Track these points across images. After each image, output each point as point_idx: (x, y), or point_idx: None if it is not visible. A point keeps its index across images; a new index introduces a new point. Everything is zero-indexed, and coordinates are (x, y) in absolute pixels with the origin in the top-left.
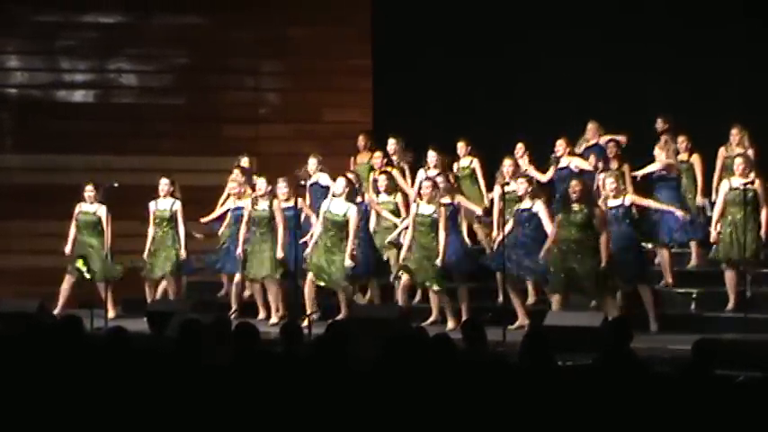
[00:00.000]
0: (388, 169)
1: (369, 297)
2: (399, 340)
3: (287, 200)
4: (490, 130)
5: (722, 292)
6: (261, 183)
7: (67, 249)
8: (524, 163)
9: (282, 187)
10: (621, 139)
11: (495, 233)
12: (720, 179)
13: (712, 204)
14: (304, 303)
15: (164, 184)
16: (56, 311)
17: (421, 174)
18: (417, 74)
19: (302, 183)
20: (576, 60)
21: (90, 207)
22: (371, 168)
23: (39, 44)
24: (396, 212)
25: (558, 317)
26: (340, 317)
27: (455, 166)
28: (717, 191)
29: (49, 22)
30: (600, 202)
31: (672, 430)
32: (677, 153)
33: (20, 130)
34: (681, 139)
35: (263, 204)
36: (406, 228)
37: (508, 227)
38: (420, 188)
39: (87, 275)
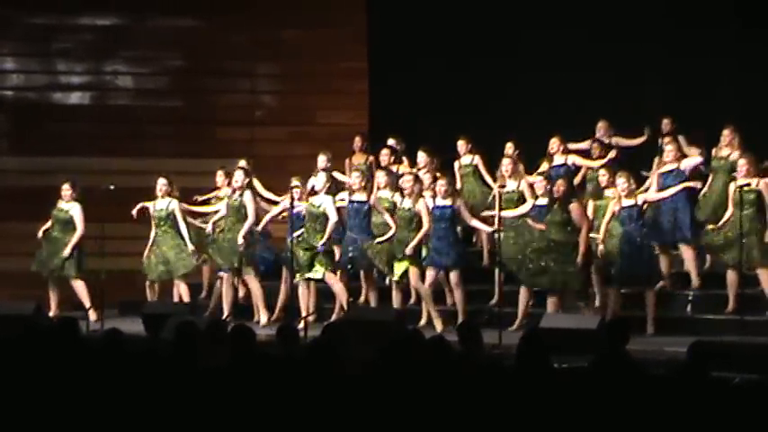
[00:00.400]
0: (392, 168)
1: (363, 299)
2: (395, 342)
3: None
4: (486, 132)
5: (718, 294)
6: (238, 175)
7: (39, 235)
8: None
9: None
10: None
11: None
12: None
13: None
14: (299, 306)
15: (161, 184)
16: (51, 314)
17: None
18: (413, 76)
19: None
20: (575, 60)
21: (65, 205)
22: (369, 169)
23: (34, 46)
24: (393, 210)
25: (554, 319)
26: (335, 318)
27: (456, 165)
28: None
29: (44, 25)
30: (615, 202)
31: None
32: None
33: (16, 132)
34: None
35: (237, 196)
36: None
37: (512, 213)
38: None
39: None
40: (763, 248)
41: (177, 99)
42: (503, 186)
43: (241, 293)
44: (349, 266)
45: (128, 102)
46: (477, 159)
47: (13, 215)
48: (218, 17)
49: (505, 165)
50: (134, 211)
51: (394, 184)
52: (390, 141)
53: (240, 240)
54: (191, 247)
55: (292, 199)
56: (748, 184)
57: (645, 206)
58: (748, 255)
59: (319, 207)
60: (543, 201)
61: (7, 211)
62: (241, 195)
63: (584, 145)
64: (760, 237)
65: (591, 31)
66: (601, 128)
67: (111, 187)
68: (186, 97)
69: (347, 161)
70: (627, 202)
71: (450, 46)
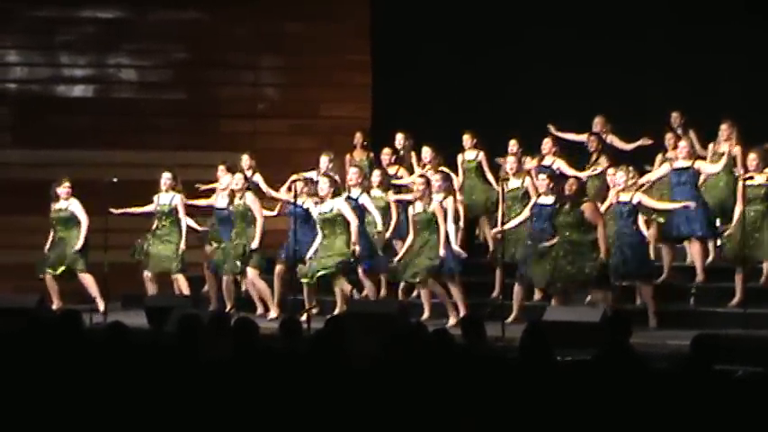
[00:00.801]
0: (391, 170)
1: (364, 293)
2: (398, 335)
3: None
4: (489, 126)
5: (721, 288)
6: (238, 178)
7: (46, 249)
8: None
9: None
10: (627, 146)
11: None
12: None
13: None
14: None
15: (165, 178)
16: (54, 307)
17: (417, 171)
18: (416, 69)
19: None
20: (577, 58)
21: (62, 204)
22: (371, 165)
23: (38, 39)
24: (386, 210)
25: (557, 312)
26: (337, 311)
27: (459, 158)
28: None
29: (47, 18)
30: (612, 195)
31: (671, 426)
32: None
33: (19, 125)
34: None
35: (237, 200)
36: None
37: (514, 222)
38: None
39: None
40: None
41: (180, 92)
42: (506, 180)
43: (243, 287)
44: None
45: (131, 94)
46: (482, 156)
47: (16, 208)
48: (221, 10)
49: (510, 162)
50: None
51: (387, 184)
52: (398, 136)
53: (255, 245)
54: (182, 247)
55: (295, 196)
56: (751, 177)
57: (638, 205)
58: (760, 249)
59: (332, 211)
60: (546, 199)
61: (10, 204)
62: (242, 198)
63: (581, 137)
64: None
65: (596, 28)
66: (597, 123)
67: (115, 180)
68: (189, 90)
69: (347, 157)
70: (623, 197)
71: (453, 39)
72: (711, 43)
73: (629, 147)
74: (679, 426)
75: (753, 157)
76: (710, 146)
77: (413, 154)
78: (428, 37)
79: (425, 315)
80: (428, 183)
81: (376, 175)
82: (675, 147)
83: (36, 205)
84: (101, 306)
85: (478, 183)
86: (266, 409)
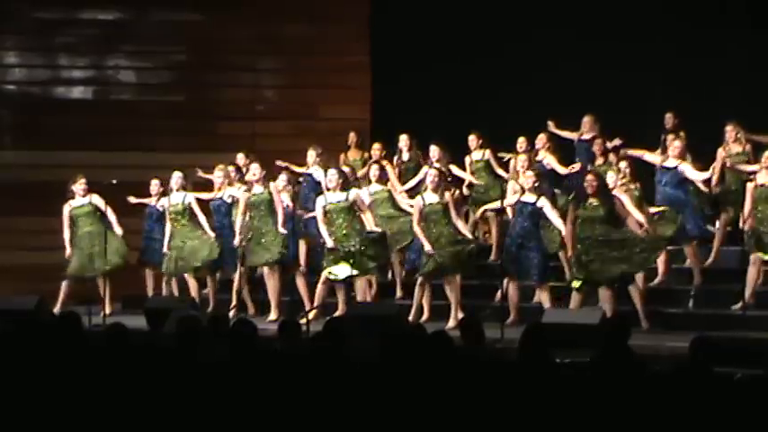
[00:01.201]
0: (383, 162)
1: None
2: (397, 337)
3: (283, 190)
4: (489, 127)
5: (720, 290)
6: (255, 168)
7: (68, 252)
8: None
9: (282, 180)
10: (615, 142)
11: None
12: (720, 181)
13: None
14: (301, 299)
15: (176, 177)
16: (55, 310)
17: (424, 170)
18: (415, 71)
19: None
20: (577, 59)
21: (83, 200)
22: (364, 165)
23: (37, 41)
24: (388, 202)
25: (555, 314)
26: (338, 313)
27: (467, 160)
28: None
29: (47, 19)
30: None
31: (670, 428)
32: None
33: (18, 126)
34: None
35: (258, 188)
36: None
37: (494, 205)
38: (425, 179)
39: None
40: None
41: (179, 94)
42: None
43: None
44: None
45: (130, 96)
46: (489, 154)
47: (15, 210)
48: (220, 11)
49: (521, 161)
50: (132, 200)
51: (385, 180)
52: (403, 136)
53: (282, 231)
54: (212, 234)
55: (296, 194)
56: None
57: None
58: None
59: (346, 199)
60: (530, 197)
61: (9, 206)
62: (266, 187)
63: (572, 135)
64: None
65: (595, 29)
66: (586, 122)
67: (114, 182)
68: (188, 92)
69: (341, 157)
70: None
71: (453, 41)
72: (712, 45)
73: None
74: (678, 429)
75: (729, 129)
76: (720, 150)
77: (419, 153)
78: (428, 38)
79: (425, 317)
80: (441, 174)
81: (374, 170)
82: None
83: (35, 207)
84: (108, 308)
85: (490, 181)
86: (265, 411)
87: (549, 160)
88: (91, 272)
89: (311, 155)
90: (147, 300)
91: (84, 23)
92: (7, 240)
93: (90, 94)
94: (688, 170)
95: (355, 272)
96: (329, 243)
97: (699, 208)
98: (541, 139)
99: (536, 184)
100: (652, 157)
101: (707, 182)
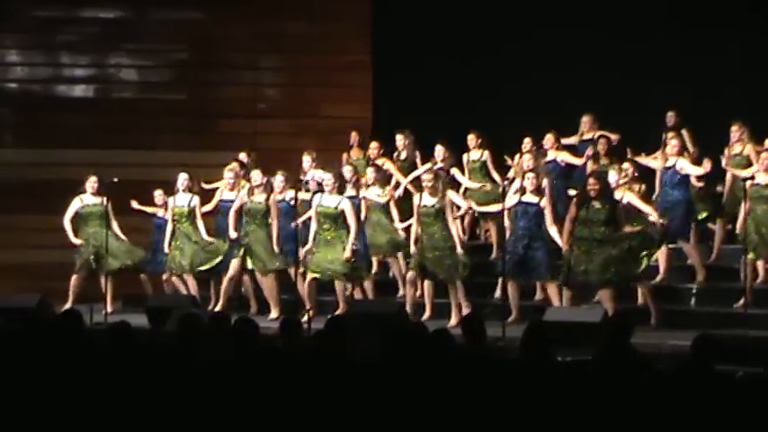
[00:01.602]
0: (379, 162)
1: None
2: (398, 335)
3: (280, 192)
4: (490, 126)
5: (722, 288)
6: (256, 175)
7: (77, 241)
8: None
9: (280, 180)
10: (613, 137)
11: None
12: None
13: None
14: (301, 298)
15: (182, 179)
16: (67, 306)
17: (426, 166)
18: (417, 69)
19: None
20: (578, 59)
21: (95, 199)
22: (367, 163)
23: (39, 39)
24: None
25: (557, 312)
26: (339, 312)
27: (465, 158)
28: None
29: (48, 17)
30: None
31: (671, 426)
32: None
33: (20, 125)
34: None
35: (259, 197)
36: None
37: (494, 208)
38: (421, 181)
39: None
40: None
41: (181, 92)
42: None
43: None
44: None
45: (131, 94)
46: (487, 155)
47: (16, 208)
48: (221, 10)
49: (526, 161)
50: (135, 205)
51: (384, 181)
52: (398, 136)
53: (276, 247)
54: (210, 239)
55: (296, 192)
56: (752, 177)
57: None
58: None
59: (336, 208)
60: (531, 198)
61: (11, 204)
62: (267, 199)
63: (572, 140)
64: None
65: (597, 29)
66: (586, 122)
67: (115, 180)
68: (190, 90)
69: (344, 156)
70: (615, 196)
71: (454, 39)
72: (713, 45)
73: (615, 136)
74: (679, 426)
75: (765, 156)
76: (726, 150)
77: (418, 155)
78: (429, 37)
79: (426, 315)
80: (437, 176)
81: (371, 173)
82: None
83: (36, 205)
84: (110, 307)
85: (485, 182)
86: (267, 410)
87: (562, 157)
88: (99, 267)
89: (306, 160)
90: (149, 298)
91: (86, 22)
92: (8, 239)
93: (91, 93)
94: (686, 165)
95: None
96: (309, 243)
97: (693, 210)
98: (549, 139)
99: (539, 185)
100: (655, 163)
101: (702, 177)
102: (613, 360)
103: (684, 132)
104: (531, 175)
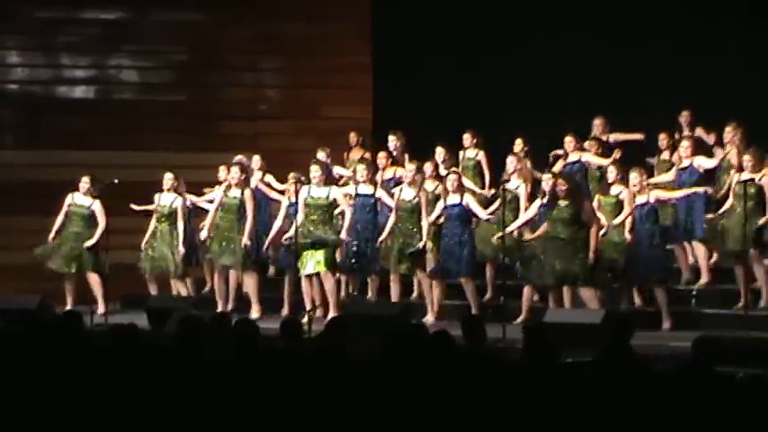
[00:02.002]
0: (389, 171)
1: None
2: (399, 336)
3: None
4: (490, 127)
5: (723, 290)
6: (234, 171)
7: (50, 237)
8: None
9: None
10: (637, 136)
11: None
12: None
13: None
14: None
15: (167, 179)
16: (67, 308)
17: (427, 167)
18: (417, 70)
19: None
20: (578, 60)
21: (85, 200)
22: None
23: (39, 40)
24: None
25: (558, 314)
26: (331, 312)
27: (460, 155)
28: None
29: (49, 18)
30: (628, 198)
31: (672, 428)
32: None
33: (20, 126)
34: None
35: (234, 192)
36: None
37: (517, 224)
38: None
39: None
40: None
41: (181, 93)
42: (506, 182)
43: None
44: (353, 261)
45: (132, 96)
46: (482, 156)
47: (17, 209)
48: (222, 11)
49: (509, 162)
50: (135, 207)
51: (373, 179)
52: (391, 137)
53: (247, 241)
54: (182, 250)
55: (297, 192)
56: (752, 179)
57: (656, 204)
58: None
59: (327, 198)
60: (454, 199)
61: (12, 205)
62: (242, 194)
63: (586, 144)
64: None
65: (596, 30)
66: (598, 125)
67: (116, 181)
68: (190, 91)
69: (345, 155)
70: (639, 200)
71: (454, 41)
72: (714, 46)
73: (635, 137)
74: (680, 428)
75: (748, 158)
76: (720, 151)
77: (406, 156)
78: (429, 39)
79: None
80: (419, 170)
81: (361, 170)
82: (667, 147)
83: (37, 206)
84: (101, 308)
85: (475, 182)
86: (268, 411)
87: (587, 158)
88: (55, 264)
89: (321, 156)
90: (150, 299)
91: (86, 23)
92: (9, 240)
93: (92, 94)
94: (703, 161)
95: (321, 269)
96: (290, 233)
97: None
98: (570, 142)
99: (461, 185)
100: (669, 176)
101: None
102: (614, 361)
103: (698, 130)
104: (452, 176)
